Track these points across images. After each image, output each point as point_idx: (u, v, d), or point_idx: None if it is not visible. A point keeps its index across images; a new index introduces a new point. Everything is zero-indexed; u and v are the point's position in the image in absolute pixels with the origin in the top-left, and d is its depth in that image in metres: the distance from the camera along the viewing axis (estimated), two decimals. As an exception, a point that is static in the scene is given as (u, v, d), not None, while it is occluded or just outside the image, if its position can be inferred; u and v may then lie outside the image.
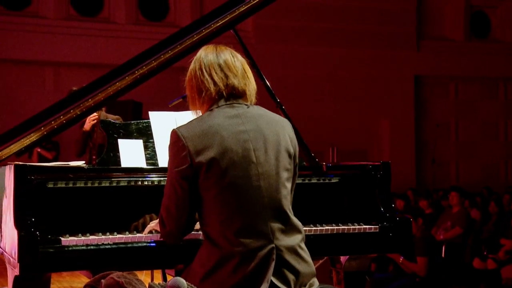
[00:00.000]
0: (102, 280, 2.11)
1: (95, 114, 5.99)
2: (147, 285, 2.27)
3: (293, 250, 2.55)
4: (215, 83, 2.60)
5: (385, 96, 14.07)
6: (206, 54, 2.67)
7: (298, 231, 2.61)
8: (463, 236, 8.71)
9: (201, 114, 2.67)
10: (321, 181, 3.39)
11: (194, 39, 3.57)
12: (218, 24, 3.64)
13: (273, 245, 2.49)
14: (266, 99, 3.64)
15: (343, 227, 3.22)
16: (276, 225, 2.52)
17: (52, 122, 3.32)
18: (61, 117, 3.34)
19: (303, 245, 2.61)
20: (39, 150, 9.26)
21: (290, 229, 2.57)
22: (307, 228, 3.17)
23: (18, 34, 11.82)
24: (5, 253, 3.02)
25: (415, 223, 7.39)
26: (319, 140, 13.60)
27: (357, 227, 3.24)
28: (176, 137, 2.54)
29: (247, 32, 13.10)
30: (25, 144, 3.29)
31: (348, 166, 3.55)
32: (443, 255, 8.29)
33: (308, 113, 13.45)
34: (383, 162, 3.45)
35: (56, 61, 12.24)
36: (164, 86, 11.21)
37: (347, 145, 13.84)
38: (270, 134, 2.59)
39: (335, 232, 3.20)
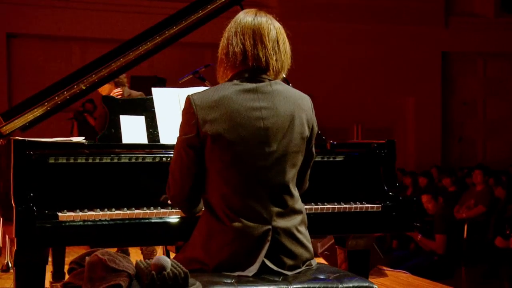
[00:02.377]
0: (87, 257, 2.12)
1: (119, 89, 5.99)
2: (134, 263, 2.26)
3: (290, 233, 2.50)
4: (242, 51, 2.51)
5: (411, 73, 13.90)
6: (244, 16, 2.57)
7: (299, 214, 2.56)
8: (486, 214, 8.62)
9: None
10: (325, 159, 3.34)
11: (199, 15, 3.55)
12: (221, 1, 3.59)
13: (270, 227, 2.46)
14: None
15: (344, 205, 3.19)
16: (276, 207, 2.48)
17: (56, 98, 3.35)
18: (65, 92, 3.36)
19: (302, 228, 2.56)
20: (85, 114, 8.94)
21: (290, 212, 2.52)
22: (308, 207, 3.14)
23: (45, 11, 11.91)
24: None
25: (435, 202, 7.34)
26: (343, 118, 13.55)
27: (359, 205, 3.20)
28: (188, 104, 2.49)
29: (272, 8, 12.99)
30: (29, 119, 3.32)
31: (353, 144, 3.51)
32: (465, 234, 8.23)
33: (332, 90, 13.38)
34: (388, 141, 3.40)
35: (82, 37, 12.32)
36: (187, 61, 11.24)
37: (372, 122, 13.75)
38: (285, 113, 2.51)
39: (336, 210, 3.16)
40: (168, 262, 2.15)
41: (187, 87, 3.33)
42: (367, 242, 3.43)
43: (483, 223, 8.56)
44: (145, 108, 3.30)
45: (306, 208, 3.11)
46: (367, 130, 13.80)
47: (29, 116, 3.30)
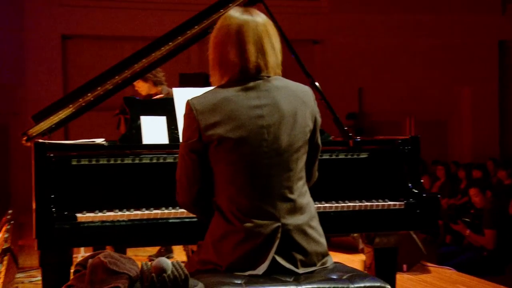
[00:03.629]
0: (90, 260, 2.15)
1: (158, 89, 6.04)
2: (139, 264, 2.28)
3: (301, 229, 2.48)
4: (235, 54, 2.49)
5: (467, 63, 13.55)
6: (230, 18, 2.53)
7: (308, 209, 2.53)
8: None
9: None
10: (349, 156, 3.30)
11: (221, 14, 3.55)
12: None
13: (279, 224, 2.45)
14: (299, 74, 3.57)
15: (366, 203, 3.14)
16: (284, 204, 2.46)
17: (80, 100, 3.41)
18: (88, 94, 3.42)
19: (314, 223, 2.54)
20: None
21: (299, 207, 2.50)
22: (328, 205, 3.11)
23: (97, 12, 12.12)
24: None
25: (483, 195, 7.16)
26: (395, 111, 13.34)
27: (381, 203, 3.15)
28: (189, 109, 2.50)
29: (321, 1, 12.93)
30: (55, 121, 3.39)
31: (377, 141, 3.44)
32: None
33: (384, 82, 13.18)
34: (412, 137, 3.32)
35: (133, 36, 12.49)
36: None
37: (425, 115, 13.49)
38: (287, 109, 2.49)
39: (357, 208, 3.12)
40: (168, 264, 2.16)
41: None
42: (393, 240, 3.38)
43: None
44: (167, 109, 3.32)
45: (326, 206, 3.11)
46: (420, 122, 13.54)
47: (54, 119, 3.37)
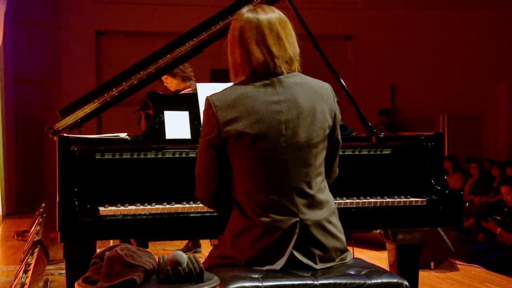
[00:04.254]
0: (107, 252, 2.18)
1: (187, 84, 6.08)
2: (156, 258, 2.31)
3: (320, 225, 2.49)
4: (253, 52, 2.50)
5: (501, 58, 13.32)
6: (246, 16, 2.55)
7: (327, 205, 2.54)
8: None
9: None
10: (372, 152, 3.28)
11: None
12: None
13: (297, 219, 2.45)
14: (324, 71, 3.56)
15: (387, 199, 3.13)
16: (302, 200, 2.47)
17: (105, 95, 3.46)
18: (113, 89, 3.46)
19: (333, 219, 2.54)
20: None
21: (318, 203, 2.50)
22: (349, 201, 3.11)
23: (131, 7, 12.22)
24: None
25: (513, 193, 7.06)
26: (428, 107, 13.20)
27: (402, 200, 3.13)
28: (208, 105, 2.52)
29: (355, -3, 12.86)
30: (80, 116, 3.45)
31: (400, 137, 3.43)
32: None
33: (417, 78, 13.05)
34: (435, 133, 3.29)
35: (166, 32, 12.56)
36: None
37: (460, 111, 13.32)
38: (306, 105, 2.50)
39: (378, 205, 3.11)
40: (184, 257, 2.18)
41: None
42: (418, 236, 3.35)
43: None
44: (190, 104, 3.34)
45: (347, 202, 3.11)
46: (454, 119, 13.37)
47: (79, 113, 3.43)
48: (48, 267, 5.42)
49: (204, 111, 2.56)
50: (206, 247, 6.19)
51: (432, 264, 5.48)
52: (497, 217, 7.19)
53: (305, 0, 12.76)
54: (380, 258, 5.71)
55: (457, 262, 5.77)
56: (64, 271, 5.28)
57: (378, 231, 5.51)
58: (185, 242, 6.31)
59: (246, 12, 2.58)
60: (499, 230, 6.93)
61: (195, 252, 6.16)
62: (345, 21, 12.71)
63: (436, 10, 13.00)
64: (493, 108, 13.72)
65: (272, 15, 2.56)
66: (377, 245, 6.20)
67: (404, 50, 12.95)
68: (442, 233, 5.50)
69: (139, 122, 6.09)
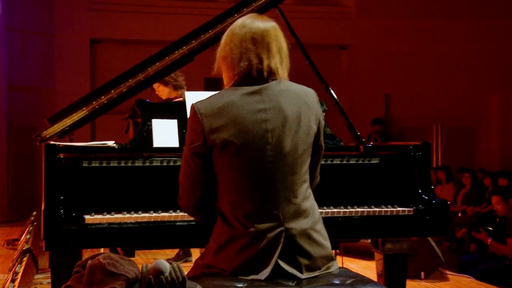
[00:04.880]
0: (89, 261, 2.17)
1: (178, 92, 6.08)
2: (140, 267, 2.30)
3: (306, 234, 2.48)
4: (243, 58, 2.51)
5: (495, 69, 13.37)
6: (240, 24, 2.57)
7: (312, 213, 2.53)
8: None
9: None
10: (360, 161, 3.28)
11: (234, 18, 3.55)
12: (260, 3, 3.57)
13: (282, 228, 2.45)
14: (315, 80, 3.56)
15: (374, 209, 3.13)
16: (287, 208, 2.47)
17: (94, 103, 3.44)
18: (102, 97, 3.45)
19: (318, 226, 2.54)
20: None
21: (303, 211, 2.50)
22: (336, 210, 3.10)
23: (126, 16, 12.23)
24: None
25: (505, 203, 7.06)
26: (422, 117, 13.22)
27: (389, 209, 3.13)
28: (193, 112, 2.52)
29: (347, 7, 12.89)
30: (68, 124, 3.43)
31: (388, 146, 3.44)
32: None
33: (411, 89, 13.08)
34: (423, 142, 3.29)
35: (161, 40, 12.55)
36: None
37: (453, 121, 13.36)
38: (291, 112, 2.50)
39: (365, 214, 3.11)
40: (166, 266, 2.17)
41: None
42: (406, 245, 3.35)
43: None
44: (179, 112, 3.34)
45: (334, 212, 3.10)
46: (448, 129, 13.40)
47: (67, 121, 3.41)
48: (36, 276, 5.39)
49: (189, 118, 2.55)
50: (197, 255, 6.12)
51: (422, 274, 5.47)
52: (488, 228, 7.20)
53: (299, 10, 12.86)
54: (371, 268, 5.70)
55: (448, 272, 5.77)
56: (53, 280, 5.30)
57: (369, 240, 5.50)
58: (176, 251, 6.29)
59: (237, 20, 2.60)
60: (489, 240, 6.94)
61: (186, 261, 6.14)
62: (340, 30, 12.74)
63: (431, 20, 13.05)
64: (486, 118, 13.75)
65: (262, 23, 2.57)
66: (368, 255, 6.18)
67: (399, 60, 12.99)
68: (433, 243, 5.50)
69: (127, 130, 6.09)
